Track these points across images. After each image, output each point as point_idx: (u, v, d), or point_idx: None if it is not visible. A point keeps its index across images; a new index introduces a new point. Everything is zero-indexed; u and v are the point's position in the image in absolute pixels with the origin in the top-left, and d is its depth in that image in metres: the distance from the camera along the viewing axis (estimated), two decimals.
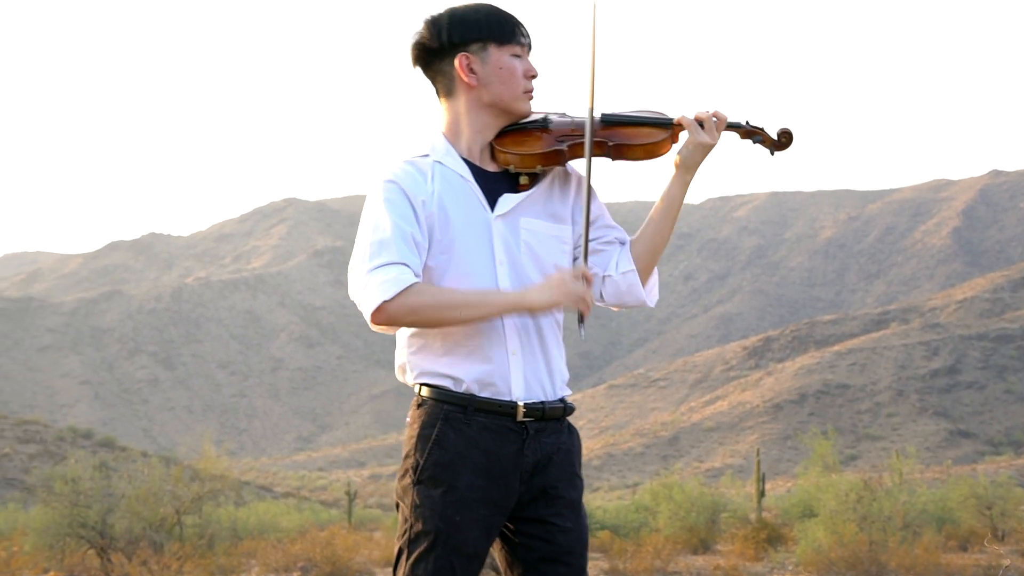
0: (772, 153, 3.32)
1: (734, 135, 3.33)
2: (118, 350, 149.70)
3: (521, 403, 3.18)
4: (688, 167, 3.28)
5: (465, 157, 3.25)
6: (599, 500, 46.76)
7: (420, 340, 3.23)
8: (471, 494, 3.14)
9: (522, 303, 3.12)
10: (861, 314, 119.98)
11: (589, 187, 3.25)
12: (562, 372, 3.28)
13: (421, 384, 3.23)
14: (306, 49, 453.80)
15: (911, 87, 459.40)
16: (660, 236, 3.31)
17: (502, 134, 3.27)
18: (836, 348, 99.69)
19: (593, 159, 3.26)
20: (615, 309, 3.42)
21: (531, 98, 3.28)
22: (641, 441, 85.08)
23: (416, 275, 3.11)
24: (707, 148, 3.26)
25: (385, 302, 3.06)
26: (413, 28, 3.28)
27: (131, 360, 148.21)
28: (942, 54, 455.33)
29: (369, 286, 3.08)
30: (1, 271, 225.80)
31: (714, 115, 3.27)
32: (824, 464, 17.70)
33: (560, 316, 3.30)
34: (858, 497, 15.44)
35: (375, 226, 3.14)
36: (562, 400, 3.27)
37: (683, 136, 3.30)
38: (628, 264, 3.32)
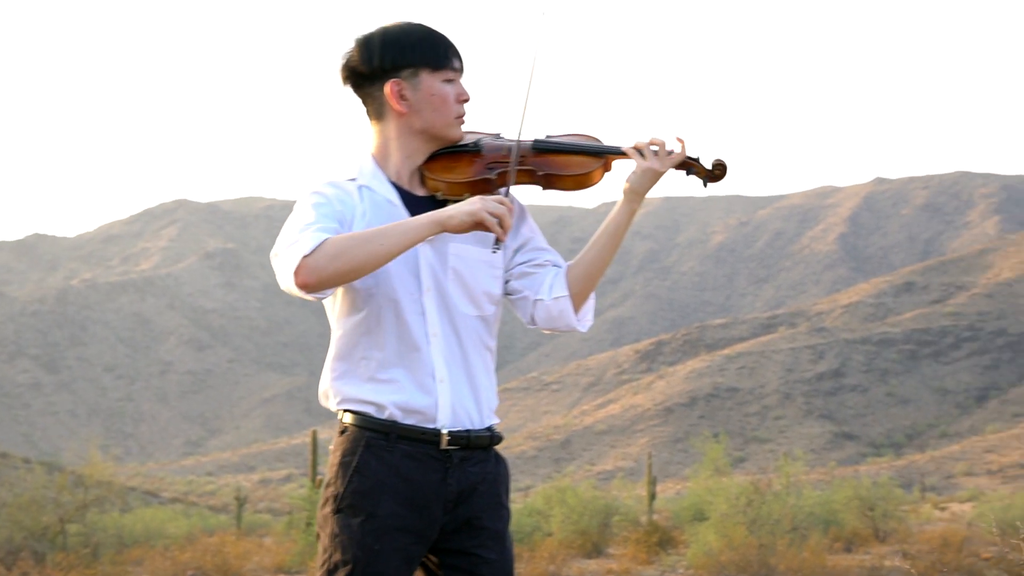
0: (705, 184, 3.30)
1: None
2: None
3: (445, 431, 3.12)
4: (636, 194, 3.24)
5: (394, 181, 3.20)
6: None
7: (344, 365, 3.16)
8: (391, 522, 3.08)
9: (438, 219, 3.01)
10: (750, 318, 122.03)
11: (515, 169, 3.18)
12: (490, 400, 3.22)
13: (343, 410, 3.16)
14: (197, 48, 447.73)
15: (799, 95, 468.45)
16: (600, 262, 3.27)
17: (432, 158, 3.23)
18: (726, 352, 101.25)
19: (523, 185, 3.22)
20: (546, 332, 3.35)
21: (463, 123, 3.24)
22: (534, 444, 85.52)
23: None
24: (656, 175, 3.23)
25: (305, 257, 2.96)
26: (343, 47, 3.22)
27: (12, 364, 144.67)
28: (828, 64, 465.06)
29: (287, 253, 3.01)
30: None
31: (654, 142, 3.24)
32: (715, 467, 17.92)
33: (492, 342, 3.24)
34: (748, 501, 15.69)
35: (295, 220, 3.09)
36: (489, 429, 3.21)
37: (616, 165, 3.28)
38: (562, 289, 3.25)
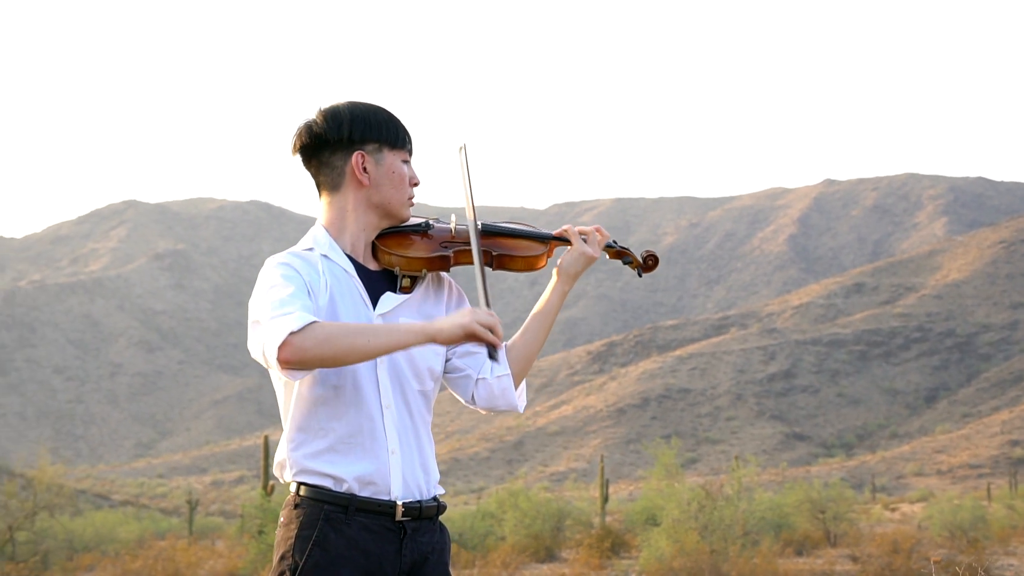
0: (640, 275, 3.57)
1: (604, 253, 3.52)
2: None
3: (400, 503, 3.18)
4: (569, 277, 3.41)
5: (348, 253, 3.26)
6: None
7: (302, 436, 3.19)
8: None
9: (429, 331, 3.07)
10: (702, 319, 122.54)
11: (482, 271, 3.29)
12: (435, 471, 3.30)
13: (299, 483, 3.19)
14: (149, 49, 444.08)
15: (749, 97, 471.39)
16: (536, 342, 3.40)
17: (383, 235, 3.32)
18: (678, 353, 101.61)
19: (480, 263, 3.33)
20: (483, 412, 3.45)
21: (412, 205, 3.34)
22: (487, 446, 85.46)
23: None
24: (589, 260, 3.42)
25: (293, 333, 2.96)
26: (304, 116, 3.28)
27: None
28: (777, 66, 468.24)
29: (273, 325, 3.00)
30: None
31: (596, 230, 3.44)
32: (667, 472, 18.01)
33: (430, 417, 3.32)
34: (700, 506, 15.76)
35: (272, 289, 3.09)
36: (435, 499, 3.28)
37: (558, 251, 3.46)
38: (503, 368, 3.35)
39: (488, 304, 3.24)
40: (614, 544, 19.90)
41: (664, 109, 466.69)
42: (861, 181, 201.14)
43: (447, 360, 3.35)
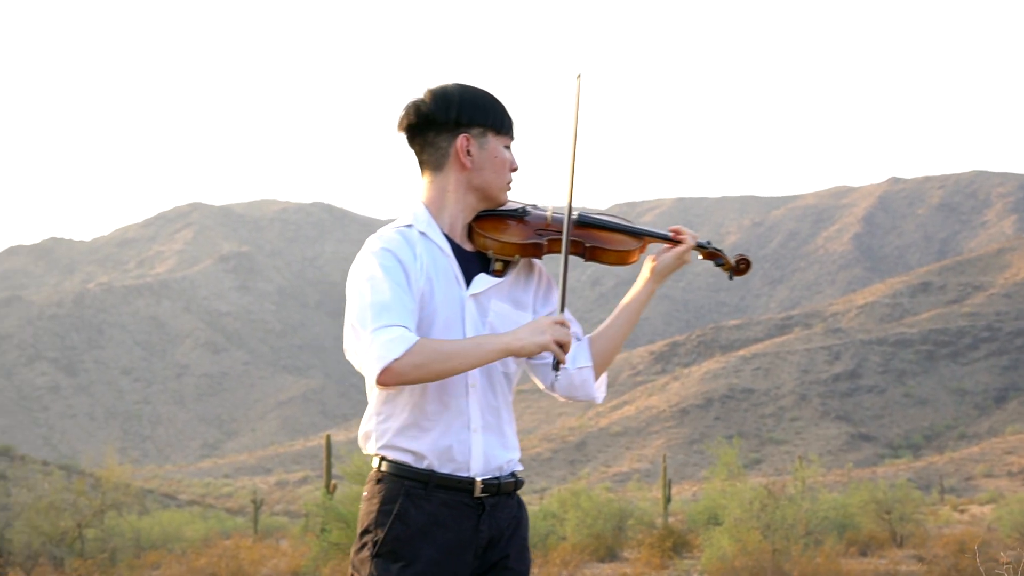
0: (731, 277, 3.59)
1: (697, 254, 3.55)
2: (17, 356, 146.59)
3: (479, 479, 3.27)
4: (661, 276, 3.48)
5: (446, 232, 3.33)
6: None
7: (389, 409, 3.28)
8: (428, 569, 3.21)
9: (512, 346, 3.18)
10: (765, 319, 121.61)
11: (566, 262, 3.34)
12: (516, 448, 3.38)
13: (382, 458, 3.28)
14: (211, 51, 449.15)
15: (812, 95, 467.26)
16: (620, 336, 3.47)
17: (479, 218, 3.38)
18: (741, 353, 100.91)
19: (571, 255, 3.37)
20: (562, 400, 3.53)
21: (510, 190, 3.41)
22: (549, 446, 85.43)
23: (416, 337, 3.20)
24: (684, 263, 3.48)
25: (395, 360, 3.10)
26: (414, 95, 3.35)
27: (31, 367, 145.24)
28: (841, 63, 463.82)
29: (375, 345, 3.12)
30: None
31: (683, 232, 3.49)
32: (729, 472, 17.91)
33: (512, 397, 3.39)
34: (762, 505, 15.65)
35: (373, 289, 3.19)
36: (513, 475, 3.36)
37: (649, 248, 3.49)
38: (585, 360, 3.44)
39: (564, 295, 3.31)
40: (676, 544, 19.83)
41: (726, 107, 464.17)
42: (927, 179, 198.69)
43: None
